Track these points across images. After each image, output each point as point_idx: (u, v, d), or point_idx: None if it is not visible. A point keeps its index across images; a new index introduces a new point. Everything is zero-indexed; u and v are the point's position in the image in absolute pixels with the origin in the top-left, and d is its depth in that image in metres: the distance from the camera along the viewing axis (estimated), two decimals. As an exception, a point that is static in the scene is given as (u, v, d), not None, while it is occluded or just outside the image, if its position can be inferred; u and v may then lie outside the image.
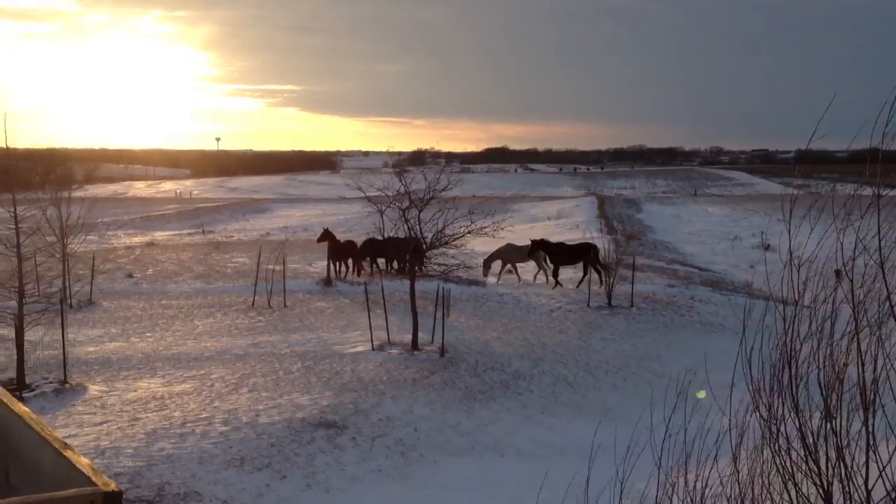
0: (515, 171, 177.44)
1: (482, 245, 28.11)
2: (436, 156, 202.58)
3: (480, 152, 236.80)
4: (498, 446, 14.18)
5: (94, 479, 1.03)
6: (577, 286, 27.62)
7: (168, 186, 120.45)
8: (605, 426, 13.23)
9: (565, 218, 56.69)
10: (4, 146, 17.95)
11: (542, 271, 29.84)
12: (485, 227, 21.27)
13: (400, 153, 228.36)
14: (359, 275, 30.08)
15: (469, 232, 21.04)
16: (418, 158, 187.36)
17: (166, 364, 18.33)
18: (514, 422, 15.29)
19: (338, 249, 30.52)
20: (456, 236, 20.92)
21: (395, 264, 30.54)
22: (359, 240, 32.07)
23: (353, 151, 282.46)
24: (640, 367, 19.39)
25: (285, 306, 25.67)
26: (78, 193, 32.19)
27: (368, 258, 30.90)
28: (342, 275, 30.29)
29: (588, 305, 25.13)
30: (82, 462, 1.09)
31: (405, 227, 20.88)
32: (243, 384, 16.37)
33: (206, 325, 23.48)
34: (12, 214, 16.37)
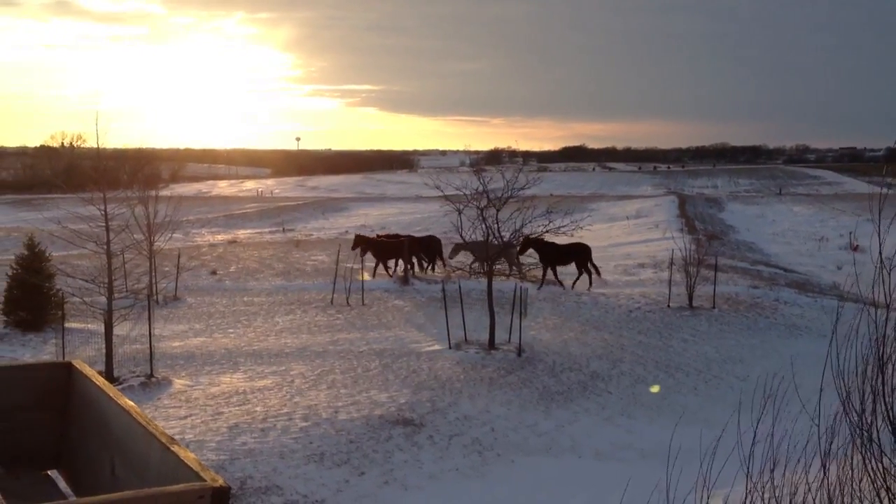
0: (593, 169, 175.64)
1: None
2: (513, 154, 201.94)
3: (558, 151, 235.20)
4: (576, 447, 14.05)
5: (202, 474, 1.04)
6: (573, 286, 27.27)
7: (250, 185, 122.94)
8: (686, 429, 12.99)
9: (644, 217, 55.84)
10: (96, 146, 18.60)
11: (514, 269, 29.28)
12: (563, 227, 21.10)
13: (477, 152, 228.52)
14: (408, 271, 30.15)
15: (547, 231, 20.89)
16: (495, 157, 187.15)
17: (248, 359, 18.70)
18: (592, 423, 15.12)
19: (381, 249, 30.72)
20: (534, 236, 20.80)
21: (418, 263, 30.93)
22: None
23: (430, 150, 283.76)
24: (723, 369, 18.98)
25: (363, 304, 25.93)
26: (164, 192, 33.14)
27: (414, 256, 30.99)
28: (389, 272, 30.54)
29: (668, 306, 24.72)
30: (189, 457, 1.11)
31: (483, 226, 20.87)
32: (322, 381, 16.59)
33: (286, 321, 23.87)
34: (103, 213, 16.89)
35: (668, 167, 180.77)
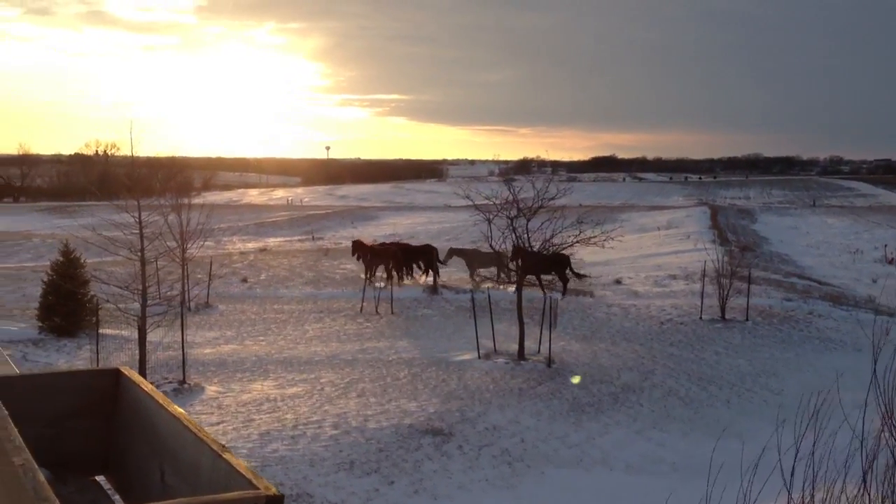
0: (623, 179, 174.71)
1: (590, 255, 27.80)
2: (542, 164, 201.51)
3: (587, 161, 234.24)
4: (607, 460, 13.93)
5: (254, 482, 1.04)
6: (562, 297, 27.13)
7: (280, 194, 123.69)
8: (720, 443, 12.83)
9: (675, 228, 55.40)
10: (130, 154, 18.80)
11: (501, 277, 29.48)
12: (594, 237, 20.98)
13: (506, 162, 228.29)
14: (392, 279, 30.62)
15: (577, 242, 20.79)
16: (524, 167, 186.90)
17: (278, 367, 18.77)
18: (623, 435, 14.99)
19: (374, 255, 31.43)
20: (564, 246, 20.71)
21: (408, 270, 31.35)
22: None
23: (458, 160, 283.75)
24: (756, 383, 18.74)
25: (392, 313, 25.96)
26: (196, 200, 33.42)
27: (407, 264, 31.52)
28: (370, 278, 30.95)
29: (700, 318, 24.48)
30: (241, 465, 1.11)
31: (513, 235, 20.81)
32: (352, 389, 16.61)
33: (316, 329, 23.96)
34: (137, 220, 17.06)
35: (700, 178, 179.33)
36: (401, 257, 31.54)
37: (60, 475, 1.24)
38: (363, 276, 31.45)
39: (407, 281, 31.44)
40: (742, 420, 16.01)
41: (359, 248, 32.62)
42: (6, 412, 1.36)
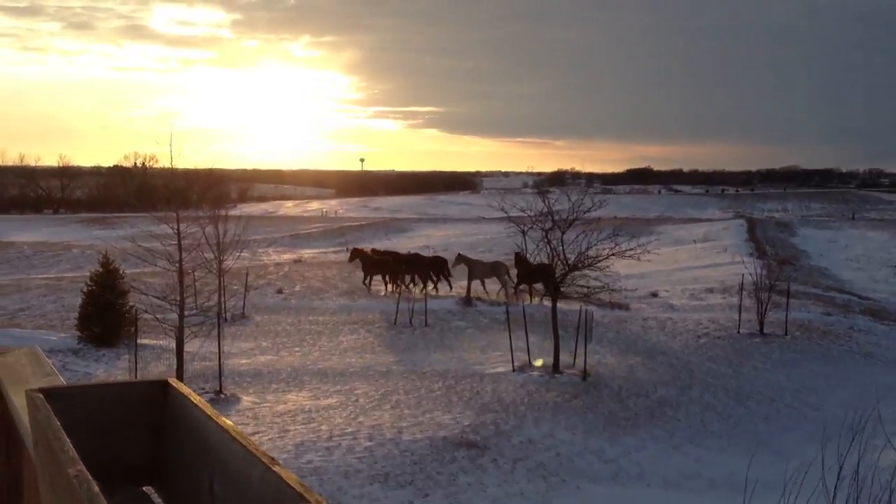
0: (659, 192, 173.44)
1: (626, 268, 27.60)
2: (576, 176, 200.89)
3: (622, 173, 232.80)
4: (643, 475, 13.78)
5: (305, 495, 1.03)
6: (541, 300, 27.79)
7: (314, 206, 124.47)
8: (759, 459, 12.63)
9: (712, 241, 54.88)
10: (169, 166, 19.05)
11: (503, 289, 30.06)
12: (629, 250, 20.83)
13: (539, 174, 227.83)
14: (394, 289, 31.55)
15: (613, 254, 20.65)
16: (558, 179, 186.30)
17: (313, 378, 18.84)
18: (660, 451, 14.83)
19: (371, 264, 32.37)
20: (599, 258, 20.59)
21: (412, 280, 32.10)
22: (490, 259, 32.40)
23: (492, 172, 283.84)
24: (796, 398, 18.47)
25: (426, 325, 25.96)
26: (233, 212, 33.76)
27: (403, 273, 32.13)
28: (368, 285, 32.22)
29: (738, 332, 24.19)
30: (291, 478, 1.10)
31: (548, 248, 20.74)
32: (386, 401, 16.61)
33: (350, 341, 24.03)
34: (175, 231, 17.25)
35: (737, 190, 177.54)
36: (394, 266, 32.25)
37: (109, 486, 1.24)
38: (363, 283, 32.68)
39: (416, 290, 31.72)
40: (781, 436, 15.80)
41: (357, 255, 33.81)
42: (58, 423, 1.37)
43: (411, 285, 32.13)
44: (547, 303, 21.60)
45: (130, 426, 1.69)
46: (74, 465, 1.21)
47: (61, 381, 2.46)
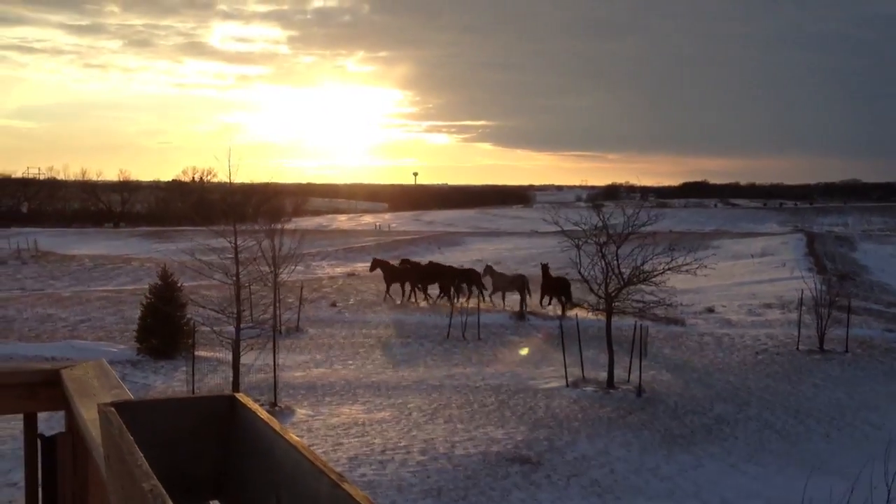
0: (715, 205, 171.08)
1: (682, 282, 27.25)
2: (630, 190, 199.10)
3: (677, 186, 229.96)
4: (700, 493, 13.55)
5: None
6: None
7: (368, 220, 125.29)
8: (818, 479, 12.33)
9: (770, 255, 53.90)
10: (227, 181, 19.37)
11: (522, 301, 30.78)
12: (685, 265, 20.56)
13: (593, 187, 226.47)
14: (415, 298, 33.20)
15: (669, 269, 20.41)
16: (612, 192, 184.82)
17: (367, 391, 18.93)
18: (717, 469, 14.57)
19: (391, 274, 33.59)
20: (655, 273, 20.36)
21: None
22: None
23: (545, 185, 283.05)
24: (857, 417, 18.01)
25: (479, 339, 25.93)
26: (288, 226, 34.15)
27: (421, 284, 33.43)
28: (387, 295, 33.32)
29: (797, 349, 23.70)
30: (360, 495, 1.10)
31: (602, 262, 20.57)
32: (439, 415, 16.61)
33: (403, 354, 24.10)
34: (232, 245, 17.52)
35: (795, 204, 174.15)
36: (413, 276, 33.45)
37: (177, 500, 1.26)
38: (386, 293, 33.78)
39: (439, 301, 32.77)
40: (841, 455, 15.41)
41: (377, 265, 34.94)
42: (131, 437, 1.40)
43: (444, 296, 32.77)
44: (598, 317, 21.42)
45: (198, 441, 1.71)
46: (149, 480, 1.23)
47: (128, 394, 2.52)
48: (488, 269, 33.17)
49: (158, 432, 1.67)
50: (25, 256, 52.52)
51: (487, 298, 32.20)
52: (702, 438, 15.93)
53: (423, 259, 41.44)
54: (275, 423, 1.54)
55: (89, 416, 2.34)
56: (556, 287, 30.34)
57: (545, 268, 31.31)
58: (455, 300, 31.46)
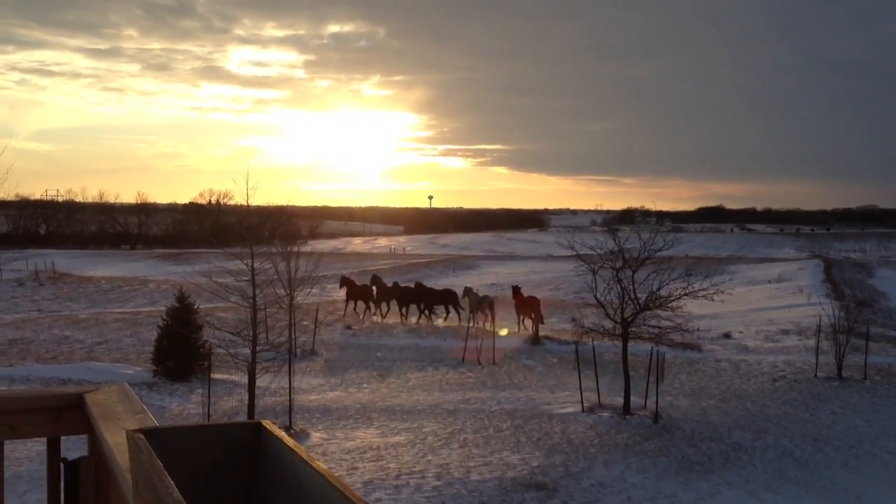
0: (731, 230, 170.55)
1: (698, 308, 27.12)
2: (645, 214, 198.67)
3: (693, 211, 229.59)
4: (717, 522, 13.40)
5: None
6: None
7: (383, 242, 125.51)
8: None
9: (787, 281, 53.56)
10: (245, 203, 19.47)
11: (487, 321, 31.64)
12: (702, 290, 20.46)
13: (608, 211, 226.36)
14: (372, 314, 35.23)
15: (686, 294, 20.31)
16: (628, 217, 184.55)
17: (381, 415, 18.88)
18: (735, 497, 14.40)
19: (353, 291, 35.78)
20: (671, 298, 20.26)
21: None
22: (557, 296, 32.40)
23: (560, 209, 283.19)
24: (876, 445, 17.78)
25: (494, 363, 25.85)
26: (304, 249, 34.25)
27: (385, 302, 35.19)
28: (354, 312, 35.30)
29: (815, 376, 23.49)
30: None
31: (618, 287, 20.50)
32: (454, 439, 16.54)
33: (418, 378, 24.05)
34: (249, 267, 17.57)
35: (812, 229, 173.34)
36: (372, 294, 35.64)
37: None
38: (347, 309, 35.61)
39: (415, 320, 34.19)
40: (860, 483, 15.23)
41: (344, 283, 36.98)
42: (161, 464, 1.40)
43: (422, 316, 34.29)
44: (614, 342, 21.31)
45: (225, 468, 1.72)
46: (180, 508, 1.24)
47: (152, 419, 2.53)
48: (467, 291, 34.15)
49: (186, 459, 1.67)
50: (43, 278, 52.87)
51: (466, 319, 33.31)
52: (719, 466, 15.77)
53: (439, 281, 42.23)
54: (301, 451, 1.55)
55: (113, 440, 2.35)
56: (526, 305, 31.57)
57: (516, 289, 32.93)
58: (432, 320, 33.54)
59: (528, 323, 31.37)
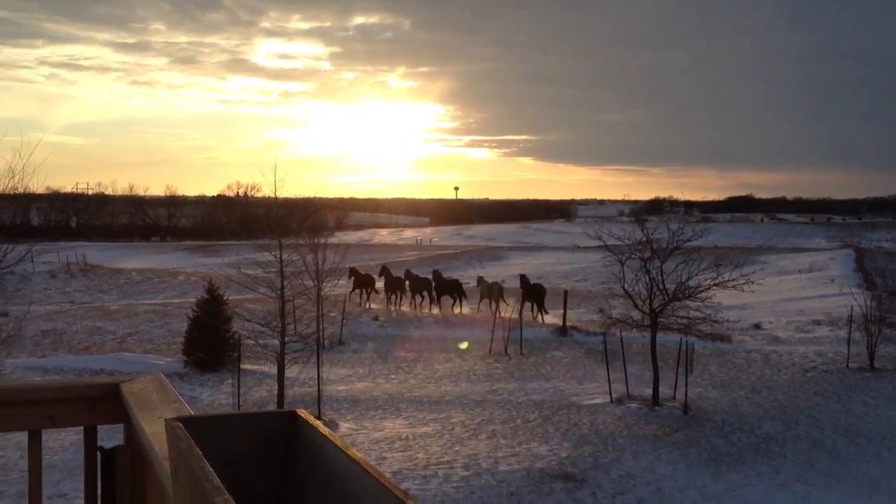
0: (761, 220, 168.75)
1: (727, 298, 26.88)
2: (674, 204, 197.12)
3: (722, 201, 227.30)
4: (748, 513, 13.31)
5: None
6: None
7: (409, 234, 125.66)
8: (870, 499, 12.06)
9: (818, 271, 53.01)
10: (273, 195, 19.57)
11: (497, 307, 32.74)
12: (732, 280, 20.28)
13: (636, 201, 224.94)
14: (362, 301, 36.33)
15: (715, 285, 20.14)
16: (655, 207, 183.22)
17: (409, 405, 18.94)
18: (765, 488, 14.30)
19: (357, 280, 36.75)
20: (701, 289, 20.11)
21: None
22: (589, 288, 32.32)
23: (587, 200, 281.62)
24: (909, 436, 17.58)
25: (521, 354, 25.83)
26: (331, 240, 34.41)
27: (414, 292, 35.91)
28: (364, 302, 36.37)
29: (847, 366, 23.24)
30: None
31: (646, 278, 20.37)
32: (482, 430, 16.55)
33: (445, 369, 24.08)
34: (277, 259, 17.68)
35: (843, 219, 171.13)
36: (373, 283, 37.08)
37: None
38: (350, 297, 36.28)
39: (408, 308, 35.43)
40: (893, 475, 15.06)
41: (352, 273, 37.54)
42: (200, 452, 1.41)
43: (423, 303, 35.46)
44: (643, 333, 21.18)
45: (260, 457, 1.73)
46: (221, 495, 1.25)
47: (187, 409, 2.55)
48: (480, 280, 35.84)
49: (222, 448, 1.68)
50: (74, 270, 53.54)
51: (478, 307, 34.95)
52: (749, 457, 15.66)
53: (465, 273, 42.85)
54: (336, 440, 1.55)
55: (150, 429, 2.38)
56: (531, 293, 32.82)
57: (523, 278, 34.57)
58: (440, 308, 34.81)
59: (538, 311, 32.62)
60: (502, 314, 30.80)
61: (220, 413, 2.03)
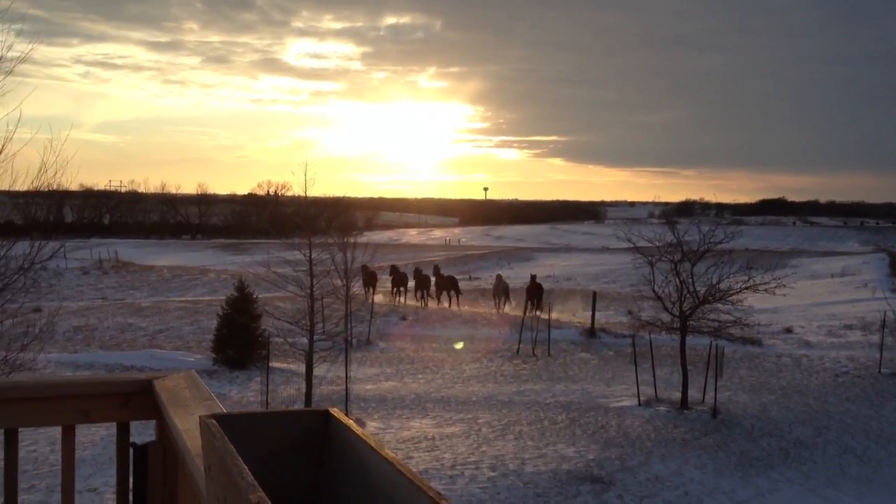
0: (794, 223, 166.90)
1: (758, 302, 26.61)
2: (705, 206, 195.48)
3: (754, 203, 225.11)
4: (777, 519, 13.18)
5: None
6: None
7: (438, 234, 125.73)
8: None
9: (851, 275, 52.34)
10: (303, 194, 19.67)
11: (504, 304, 35.53)
12: (764, 283, 20.06)
13: (666, 203, 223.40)
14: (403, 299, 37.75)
15: (747, 288, 19.94)
16: (686, 209, 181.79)
17: (436, 405, 18.96)
18: (795, 493, 14.15)
19: (367, 277, 36.50)
20: (732, 292, 19.92)
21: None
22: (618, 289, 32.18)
23: (617, 201, 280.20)
24: (943, 444, 17.30)
25: (549, 355, 25.75)
26: (360, 240, 34.52)
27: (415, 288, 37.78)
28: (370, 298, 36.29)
29: (880, 372, 22.93)
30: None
31: (677, 280, 20.22)
32: (509, 431, 16.53)
33: (472, 369, 24.08)
34: (307, 257, 17.77)
35: (877, 222, 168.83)
36: (376, 279, 38.00)
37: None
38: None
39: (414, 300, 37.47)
40: (928, 483, 14.83)
41: (363, 272, 38.19)
42: (234, 449, 1.43)
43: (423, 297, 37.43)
44: (672, 335, 21.02)
45: (293, 455, 1.74)
46: (255, 492, 1.26)
47: (220, 406, 2.57)
48: (498, 278, 37.71)
49: (255, 445, 1.70)
50: (106, 267, 54.18)
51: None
52: (779, 462, 15.51)
53: (494, 273, 43.98)
54: (370, 439, 1.56)
55: (183, 426, 2.40)
56: (531, 292, 34.06)
57: (532, 277, 36.00)
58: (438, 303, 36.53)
59: (534, 308, 33.65)
60: (501, 310, 32.68)
61: (254, 411, 2.04)
